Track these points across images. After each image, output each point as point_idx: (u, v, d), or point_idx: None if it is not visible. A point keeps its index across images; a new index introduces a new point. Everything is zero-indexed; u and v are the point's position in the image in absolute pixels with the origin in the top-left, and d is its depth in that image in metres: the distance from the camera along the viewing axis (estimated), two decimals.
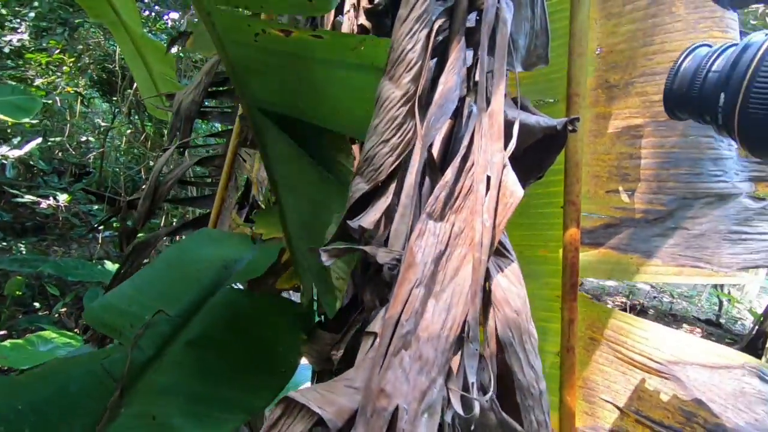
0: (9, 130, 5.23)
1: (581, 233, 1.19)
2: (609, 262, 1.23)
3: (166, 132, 7.31)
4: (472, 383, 0.58)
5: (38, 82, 5.43)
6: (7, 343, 3.40)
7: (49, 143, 5.62)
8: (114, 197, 6.36)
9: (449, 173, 0.61)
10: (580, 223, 1.19)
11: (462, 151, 0.62)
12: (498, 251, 0.67)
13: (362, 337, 0.71)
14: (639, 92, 1.18)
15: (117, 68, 5.96)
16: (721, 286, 8.76)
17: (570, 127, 0.78)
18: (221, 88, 2.10)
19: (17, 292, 4.47)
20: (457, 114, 0.70)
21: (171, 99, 2.18)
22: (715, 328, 8.55)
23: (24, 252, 5.20)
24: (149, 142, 6.37)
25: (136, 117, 6.89)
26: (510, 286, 0.66)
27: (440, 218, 0.61)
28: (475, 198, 0.61)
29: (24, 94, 2.77)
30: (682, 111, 0.77)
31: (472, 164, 0.62)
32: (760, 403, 1.00)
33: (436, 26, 0.68)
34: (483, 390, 0.63)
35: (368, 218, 0.70)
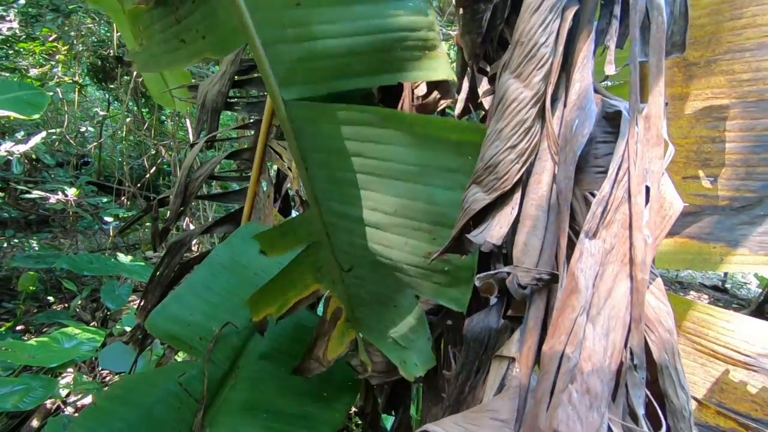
0: (8, 124, 5.08)
1: None
2: (689, 252, 1.18)
3: (165, 118, 7.15)
4: (642, 415, 0.54)
5: (33, 72, 5.24)
6: (33, 341, 3.39)
7: (53, 137, 5.48)
8: (120, 188, 6.27)
9: (606, 186, 0.55)
10: None
11: (617, 160, 0.55)
12: None
13: (491, 361, 0.66)
14: (724, 71, 1.10)
15: (113, 54, 5.75)
16: None
17: None
18: (247, 77, 2.00)
19: (30, 288, 4.45)
20: None
21: (193, 91, 2.07)
22: (722, 294, 8.66)
23: (36, 248, 5.15)
24: (152, 131, 6.22)
25: (134, 105, 6.72)
26: (659, 304, 0.61)
27: (594, 235, 0.56)
28: (632, 212, 0.55)
29: (31, 89, 2.64)
30: None
31: (625, 173, 0.56)
32: None
33: (568, 15, 0.61)
34: (634, 417, 0.59)
35: (494, 232, 0.64)
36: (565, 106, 0.63)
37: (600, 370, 0.53)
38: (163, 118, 7.20)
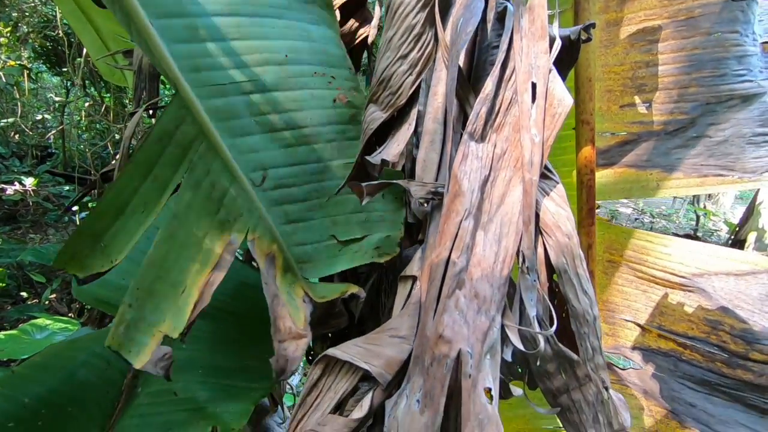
0: None
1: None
2: (627, 181, 1.17)
3: (127, 101, 6.85)
4: (534, 317, 0.53)
5: None
6: (0, 334, 3.31)
7: (2, 124, 5.21)
8: (84, 177, 6.04)
9: (489, 84, 0.52)
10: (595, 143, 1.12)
11: (501, 56, 0.52)
12: (541, 173, 0.60)
13: (398, 283, 0.65)
14: None
15: (61, 35, 5.43)
16: (697, 201, 9.09)
17: (584, 36, 0.69)
18: None
19: (0, 285, 4.32)
20: (482, 17, 0.60)
21: (129, 57, 1.96)
22: (694, 242, 8.91)
23: None
24: (111, 114, 5.96)
25: (92, 88, 6.40)
26: (558, 209, 0.59)
27: (481, 138, 0.53)
28: (519, 111, 0.52)
29: None
30: None
31: (512, 72, 0.53)
32: None
33: None
34: (539, 322, 0.58)
35: (390, 150, 0.61)
36: None
37: (490, 276, 0.51)
38: (126, 101, 6.89)
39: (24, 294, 4.95)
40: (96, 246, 0.81)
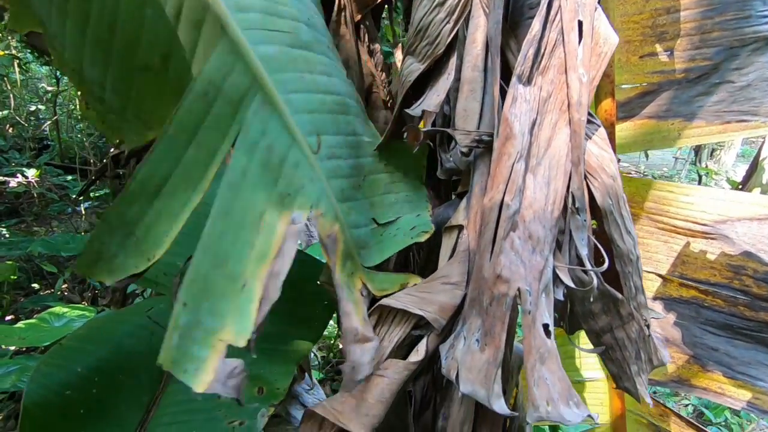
0: None
1: None
2: (648, 133, 1.17)
3: None
4: (586, 255, 0.54)
5: None
6: (20, 324, 3.36)
7: None
8: (84, 168, 6.00)
9: (536, 24, 0.51)
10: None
11: None
12: None
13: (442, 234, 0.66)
14: None
15: None
16: (699, 160, 9.06)
17: None
18: None
19: (12, 277, 4.35)
20: None
21: None
22: None
23: (7, 235, 5.00)
24: None
25: None
26: (602, 152, 0.59)
27: (528, 81, 0.53)
28: (565, 50, 0.52)
29: None
30: None
31: (558, 11, 0.52)
32: None
33: None
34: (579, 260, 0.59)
35: (430, 101, 0.61)
36: None
37: (542, 217, 0.52)
38: None
39: (35, 285, 5.00)
40: (127, 241, 0.66)
